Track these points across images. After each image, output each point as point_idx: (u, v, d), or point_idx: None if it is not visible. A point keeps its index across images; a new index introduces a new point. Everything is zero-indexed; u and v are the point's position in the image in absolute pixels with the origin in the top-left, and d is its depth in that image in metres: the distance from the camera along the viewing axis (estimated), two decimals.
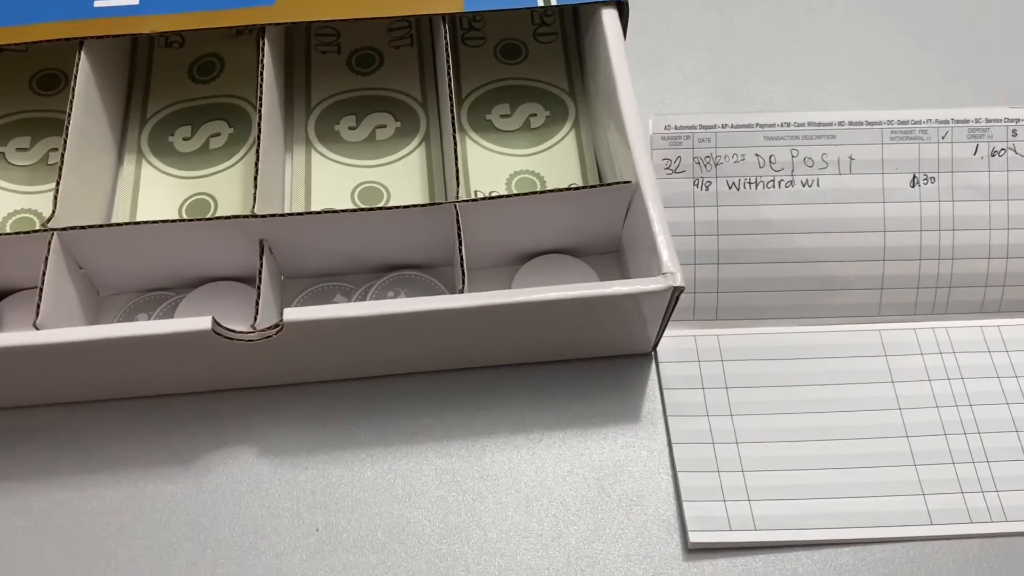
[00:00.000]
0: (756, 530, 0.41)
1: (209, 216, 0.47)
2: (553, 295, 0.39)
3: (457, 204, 0.42)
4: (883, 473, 0.43)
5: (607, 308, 0.40)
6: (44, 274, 0.40)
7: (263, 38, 0.46)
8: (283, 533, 0.41)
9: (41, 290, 0.40)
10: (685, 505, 0.41)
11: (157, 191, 0.49)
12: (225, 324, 0.39)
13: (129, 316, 0.45)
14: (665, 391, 0.45)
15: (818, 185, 0.47)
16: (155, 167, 0.49)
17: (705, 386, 0.45)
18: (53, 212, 0.42)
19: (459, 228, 0.42)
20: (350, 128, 0.51)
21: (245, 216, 0.42)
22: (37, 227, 0.44)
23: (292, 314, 0.38)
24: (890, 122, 0.48)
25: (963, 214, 0.47)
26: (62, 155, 0.43)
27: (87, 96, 0.45)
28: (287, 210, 0.47)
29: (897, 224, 0.47)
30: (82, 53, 0.45)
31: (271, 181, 0.45)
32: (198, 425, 0.43)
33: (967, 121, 0.48)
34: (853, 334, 0.46)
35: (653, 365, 0.45)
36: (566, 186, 0.44)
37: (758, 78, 0.55)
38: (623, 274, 0.47)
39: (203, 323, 0.38)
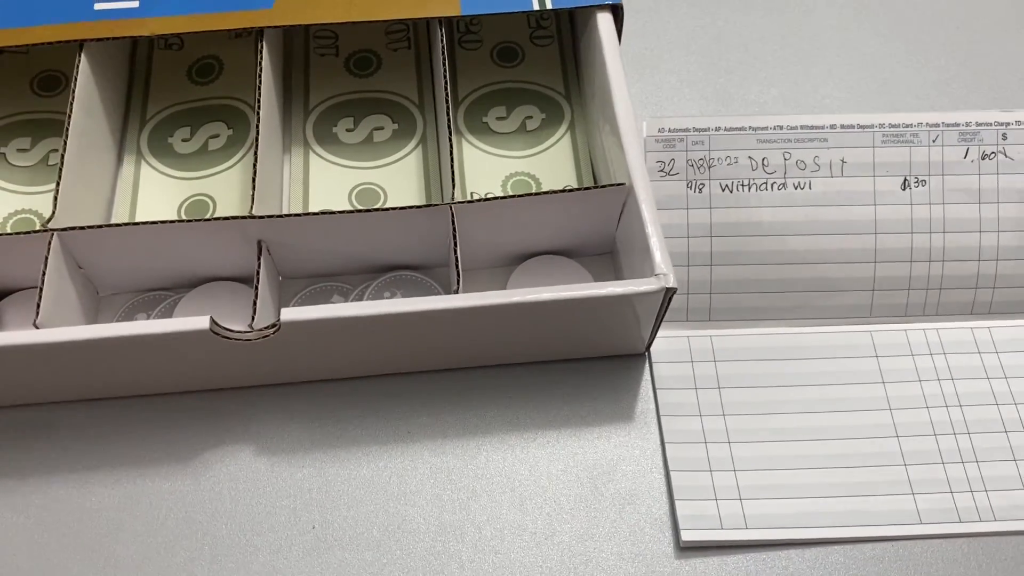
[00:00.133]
0: (747, 529, 0.41)
1: (208, 217, 0.47)
2: (547, 296, 0.39)
3: (453, 205, 0.43)
4: (873, 473, 0.43)
5: (601, 309, 0.41)
6: (44, 274, 0.41)
7: (262, 40, 0.47)
8: (280, 530, 0.41)
9: (41, 290, 0.40)
10: (677, 504, 0.42)
11: (156, 192, 0.49)
12: (223, 324, 0.39)
13: (128, 316, 0.46)
14: (658, 391, 0.45)
15: (810, 187, 0.47)
16: (154, 168, 0.50)
17: (698, 386, 0.45)
18: (53, 212, 0.42)
19: (455, 229, 0.43)
20: (348, 130, 0.51)
21: (243, 217, 0.42)
22: (37, 227, 0.45)
23: (289, 314, 0.39)
24: (882, 125, 0.48)
25: (954, 217, 0.47)
26: (62, 156, 0.43)
27: (87, 97, 0.46)
28: (285, 211, 0.48)
29: (888, 226, 0.47)
30: (82, 55, 0.46)
31: (269, 182, 0.46)
32: (196, 424, 0.44)
33: (958, 125, 0.48)
34: (844, 335, 0.47)
35: (646, 365, 0.46)
36: (561, 188, 0.45)
37: (751, 81, 0.55)
38: (617, 275, 0.47)
39: (201, 323, 0.38)
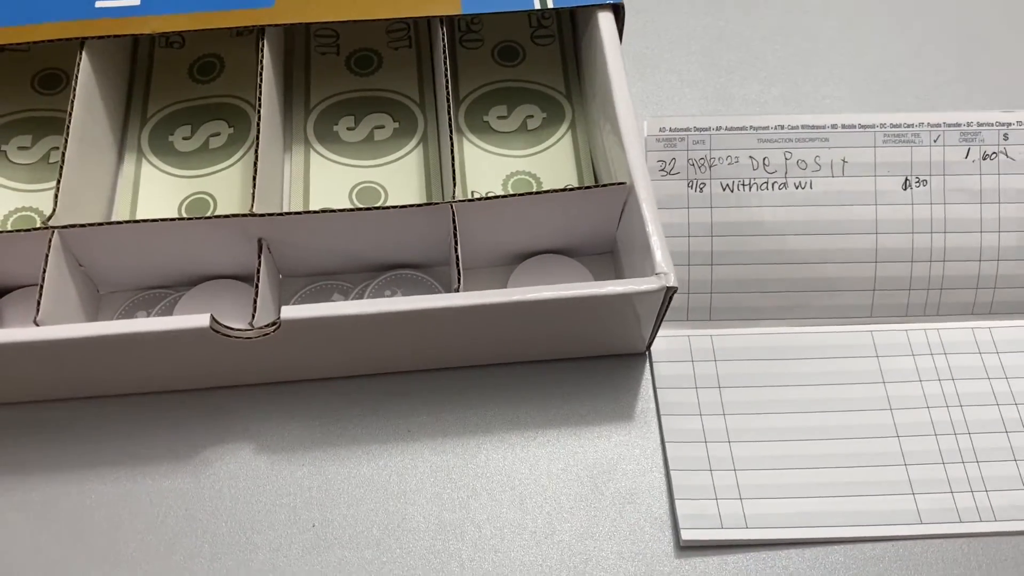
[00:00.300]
0: (748, 528, 0.41)
1: (208, 215, 0.47)
2: (548, 295, 0.39)
3: (454, 204, 0.43)
4: (874, 473, 0.43)
5: (601, 308, 0.41)
6: (44, 271, 0.41)
7: (263, 39, 0.47)
8: (280, 529, 0.41)
9: (42, 287, 0.40)
10: (677, 503, 0.42)
11: (157, 190, 0.49)
12: (223, 322, 0.39)
13: (128, 313, 0.46)
14: (659, 390, 0.45)
15: (811, 187, 0.47)
16: (155, 166, 0.50)
17: (698, 386, 0.45)
18: (54, 210, 0.42)
19: (455, 228, 0.43)
20: (348, 128, 0.51)
21: (244, 215, 0.42)
22: (38, 225, 0.45)
23: (289, 312, 0.39)
24: (883, 125, 0.48)
25: (955, 217, 0.47)
26: (63, 154, 0.43)
27: (88, 95, 0.46)
28: (286, 209, 0.48)
29: (889, 226, 0.47)
30: (83, 53, 0.46)
31: (270, 180, 0.46)
32: (196, 421, 0.44)
33: (959, 125, 0.48)
34: (845, 335, 0.47)
35: (647, 365, 0.46)
36: (562, 187, 0.45)
37: (752, 81, 0.55)
38: (617, 274, 0.47)
39: (201, 320, 0.38)
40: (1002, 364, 0.46)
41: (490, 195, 0.46)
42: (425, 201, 0.48)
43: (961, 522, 0.42)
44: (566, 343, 0.44)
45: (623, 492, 0.43)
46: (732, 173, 0.47)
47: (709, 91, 0.55)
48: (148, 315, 0.46)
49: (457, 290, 0.41)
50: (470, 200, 0.43)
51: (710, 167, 0.47)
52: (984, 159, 0.48)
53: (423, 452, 0.43)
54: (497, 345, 0.44)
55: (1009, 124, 0.48)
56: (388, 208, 0.43)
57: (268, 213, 0.42)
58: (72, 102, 0.44)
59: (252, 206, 0.42)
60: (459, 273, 0.42)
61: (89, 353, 0.40)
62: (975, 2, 0.59)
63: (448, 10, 0.47)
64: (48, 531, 0.41)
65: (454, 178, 0.43)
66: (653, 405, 0.45)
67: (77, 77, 0.45)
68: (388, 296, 0.46)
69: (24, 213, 0.48)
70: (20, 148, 0.50)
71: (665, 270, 0.40)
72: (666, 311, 0.42)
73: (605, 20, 0.47)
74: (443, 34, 0.47)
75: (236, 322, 0.40)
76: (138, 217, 0.48)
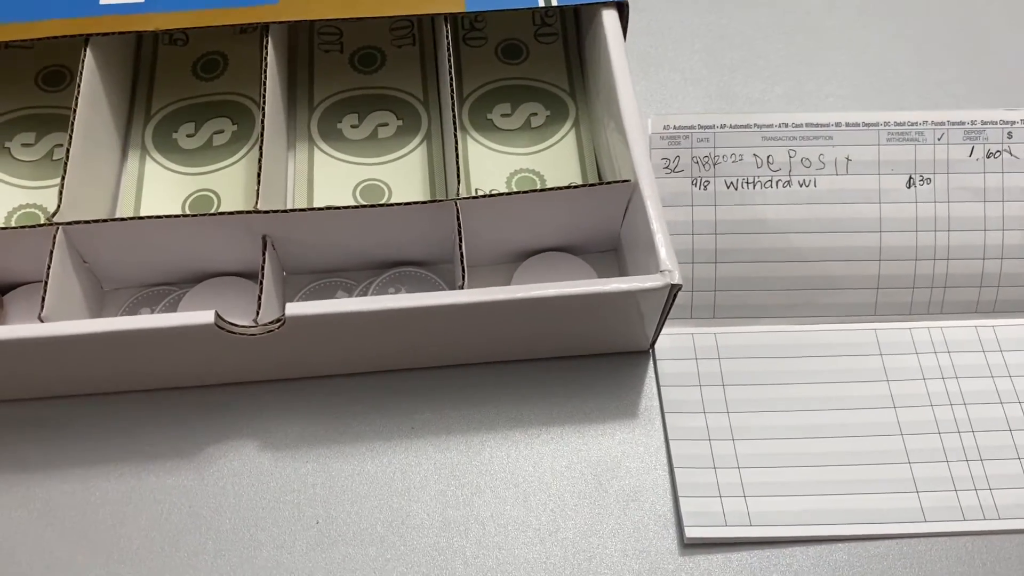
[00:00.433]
0: (751, 526, 0.41)
1: (212, 212, 0.47)
2: (552, 292, 0.39)
3: (458, 201, 0.43)
4: (878, 471, 0.43)
5: (605, 305, 0.41)
6: (49, 268, 0.41)
7: (267, 36, 0.47)
8: (284, 525, 0.41)
9: (46, 284, 0.40)
10: (681, 500, 0.42)
11: (161, 187, 0.49)
12: (228, 318, 0.39)
13: (132, 310, 0.46)
14: (662, 388, 0.45)
15: (815, 185, 0.47)
16: (159, 163, 0.50)
17: (702, 383, 0.45)
18: (58, 207, 0.42)
19: (459, 225, 0.43)
20: (352, 126, 0.51)
21: (248, 212, 0.42)
22: (42, 221, 0.45)
23: (294, 309, 0.39)
24: (887, 123, 0.48)
25: (958, 215, 0.47)
26: (67, 150, 0.43)
27: (92, 92, 0.46)
28: (289, 207, 0.48)
29: (893, 224, 0.47)
30: (88, 50, 0.46)
31: (274, 178, 0.46)
32: (200, 418, 0.44)
33: (963, 123, 0.48)
34: (849, 333, 0.47)
35: (651, 362, 0.46)
36: (566, 185, 0.45)
37: (756, 79, 0.55)
38: (621, 272, 0.47)
39: (206, 317, 0.38)
40: (1006, 362, 0.46)
41: (494, 193, 0.46)
42: (429, 199, 0.48)
43: (965, 520, 0.42)
44: (570, 341, 0.44)
45: (627, 489, 0.43)
46: (736, 171, 0.47)
47: (712, 90, 0.55)
48: (152, 312, 0.46)
49: (461, 287, 0.41)
50: (474, 197, 0.43)
51: (714, 165, 0.47)
52: (988, 157, 0.48)
53: (427, 449, 0.43)
54: (501, 343, 0.44)
55: (1013, 122, 0.48)
56: (392, 205, 0.43)
57: (273, 210, 0.42)
58: (76, 99, 0.44)
59: (256, 203, 0.42)
60: (463, 270, 0.42)
61: (93, 350, 0.40)
62: (978, 0, 0.59)
63: (452, 8, 0.47)
64: (52, 528, 0.41)
65: (458, 176, 0.43)
66: (657, 403, 0.45)
67: (81, 74, 0.45)
68: (392, 293, 0.46)
69: (28, 210, 0.48)
70: (24, 145, 0.50)
71: (669, 267, 0.40)
72: (670, 309, 0.42)
73: (609, 18, 0.47)
74: (447, 32, 0.47)
75: (240, 319, 0.40)
76: (142, 214, 0.48)
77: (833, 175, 0.47)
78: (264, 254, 0.43)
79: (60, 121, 0.50)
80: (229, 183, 0.49)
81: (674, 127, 0.48)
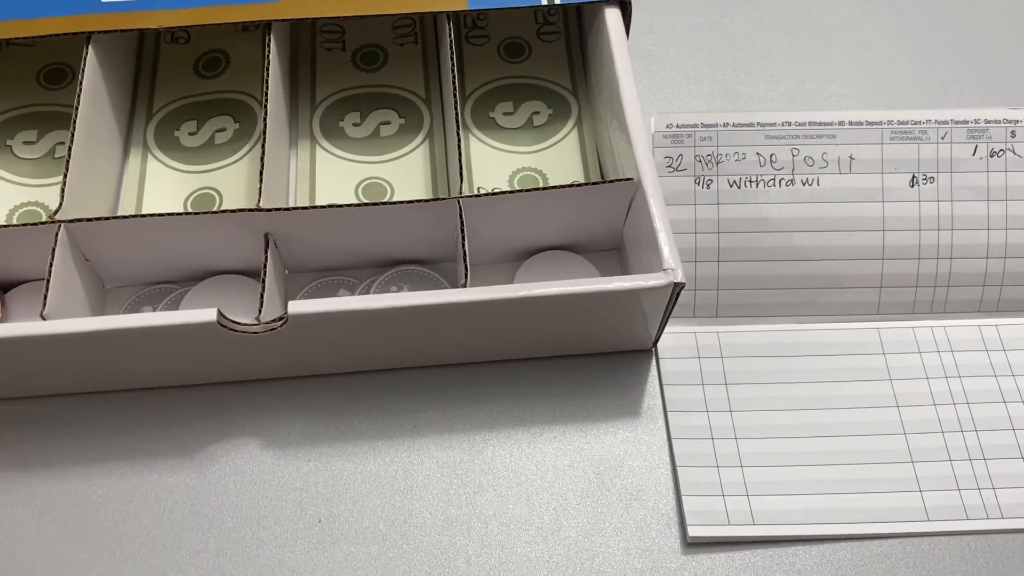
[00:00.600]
0: (754, 525, 0.41)
1: (215, 210, 0.47)
2: (555, 290, 0.39)
3: (460, 200, 0.43)
4: (881, 470, 0.43)
5: (608, 304, 0.41)
6: (51, 266, 0.41)
7: (269, 34, 0.47)
8: (286, 524, 0.41)
9: (48, 281, 0.40)
10: (684, 499, 0.42)
11: (162, 185, 0.49)
12: (230, 316, 0.39)
13: (134, 308, 0.46)
14: (665, 387, 0.45)
15: (818, 184, 0.47)
16: (161, 161, 0.50)
17: (705, 382, 0.45)
18: (60, 204, 0.42)
19: (462, 224, 0.42)
20: (354, 124, 0.51)
21: (251, 210, 0.42)
22: (44, 219, 0.45)
23: (296, 307, 0.39)
24: (890, 122, 0.48)
25: (962, 214, 0.47)
26: (69, 148, 0.43)
27: (94, 90, 0.46)
28: (291, 205, 0.48)
29: (896, 223, 0.47)
30: (89, 48, 0.46)
31: (276, 176, 0.45)
32: (202, 417, 0.44)
33: (966, 122, 0.48)
34: (852, 332, 0.47)
35: (653, 361, 0.46)
36: (568, 183, 0.45)
37: (759, 78, 0.55)
38: (624, 270, 0.47)
39: (208, 315, 0.38)
40: (1009, 361, 0.46)
41: (496, 191, 0.46)
42: (431, 197, 0.48)
43: (968, 519, 0.42)
44: (573, 339, 0.44)
45: (629, 488, 0.42)
46: (739, 169, 0.47)
47: (715, 88, 0.55)
48: (154, 310, 0.46)
49: (464, 286, 0.41)
50: (477, 196, 0.43)
51: (717, 163, 0.47)
52: (991, 156, 0.48)
53: (429, 448, 0.43)
54: (503, 341, 0.44)
55: (1016, 121, 0.48)
56: (395, 203, 0.42)
57: (275, 208, 0.42)
58: (78, 97, 0.44)
59: (259, 201, 0.42)
60: (466, 269, 0.41)
61: (95, 347, 0.40)
62: None
63: (455, 6, 0.47)
64: (54, 526, 0.41)
65: (460, 174, 0.43)
66: (660, 401, 0.45)
67: (83, 72, 0.45)
68: (394, 292, 0.46)
69: (30, 208, 0.48)
70: (26, 143, 0.50)
71: (672, 266, 0.40)
72: (673, 307, 0.42)
73: (612, 16, 0.47)
74: (449, 30, 0.47)
75: (243, 317, 0.40)
76: (144, 212, 0.48)
77: (836, 174, 0.47)
78: (266, 252, 0.43)
79: (62, 119, 0.50)
80: (231, 181, 0.49)
81: (677, 126, 0.48)
